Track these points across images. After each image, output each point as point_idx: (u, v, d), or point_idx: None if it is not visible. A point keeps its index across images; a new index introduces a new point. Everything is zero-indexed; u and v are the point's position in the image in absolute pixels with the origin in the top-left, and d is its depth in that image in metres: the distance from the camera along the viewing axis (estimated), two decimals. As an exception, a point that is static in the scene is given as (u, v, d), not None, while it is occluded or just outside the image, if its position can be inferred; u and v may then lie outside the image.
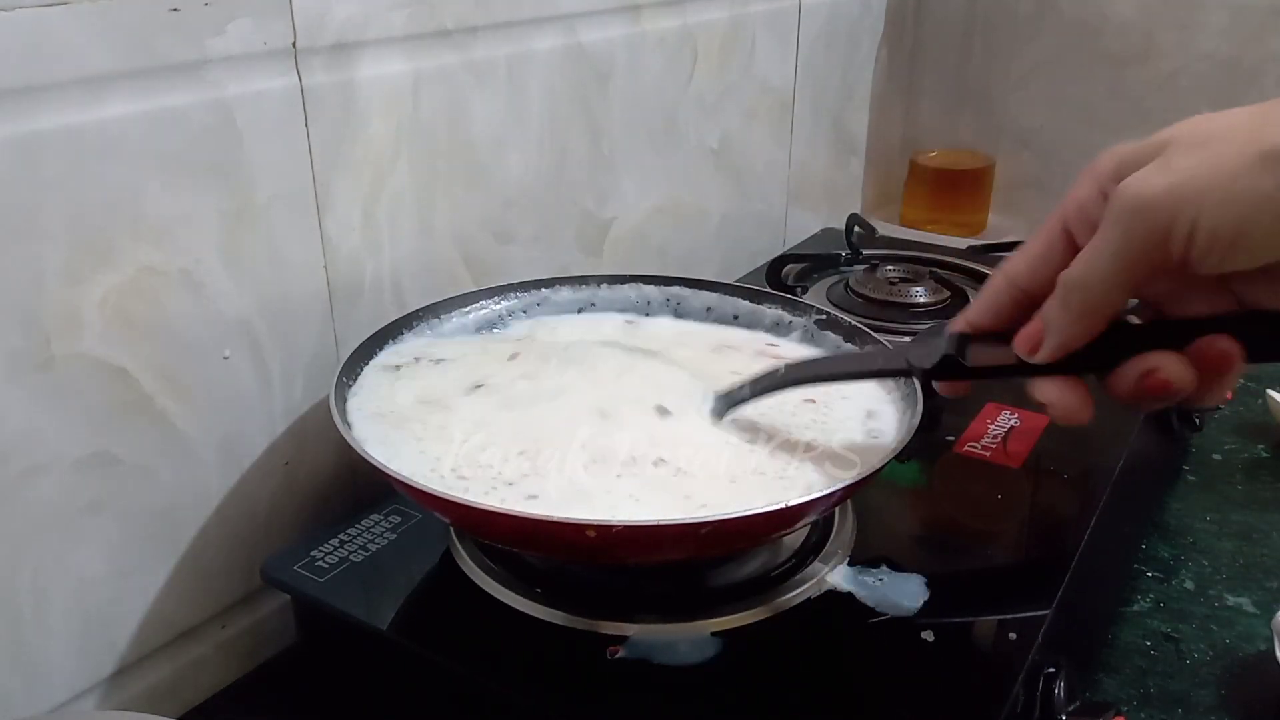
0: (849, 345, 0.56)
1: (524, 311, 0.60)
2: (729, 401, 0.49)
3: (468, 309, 0.58)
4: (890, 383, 0.52)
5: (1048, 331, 0.38)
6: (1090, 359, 0.38)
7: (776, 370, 0.49)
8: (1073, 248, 0.38)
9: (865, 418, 0.51)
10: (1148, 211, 0.34)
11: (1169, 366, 0.37)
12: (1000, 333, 0.40)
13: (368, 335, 0.53)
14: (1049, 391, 0.39)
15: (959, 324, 0.42)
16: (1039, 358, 0.38)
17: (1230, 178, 0.33)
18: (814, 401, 0.52)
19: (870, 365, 0.51)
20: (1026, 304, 0.40)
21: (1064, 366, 0.39)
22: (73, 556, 0.46)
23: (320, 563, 0.48)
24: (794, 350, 0.58)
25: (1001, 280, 0.41)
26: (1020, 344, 0.39)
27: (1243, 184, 0.32)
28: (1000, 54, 1.13)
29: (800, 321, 0.59)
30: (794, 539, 0.49)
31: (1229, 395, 0.82)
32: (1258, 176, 0.32)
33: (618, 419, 0.48)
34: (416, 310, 0.56)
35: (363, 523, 0.51)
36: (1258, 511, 0.70)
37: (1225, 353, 0.37)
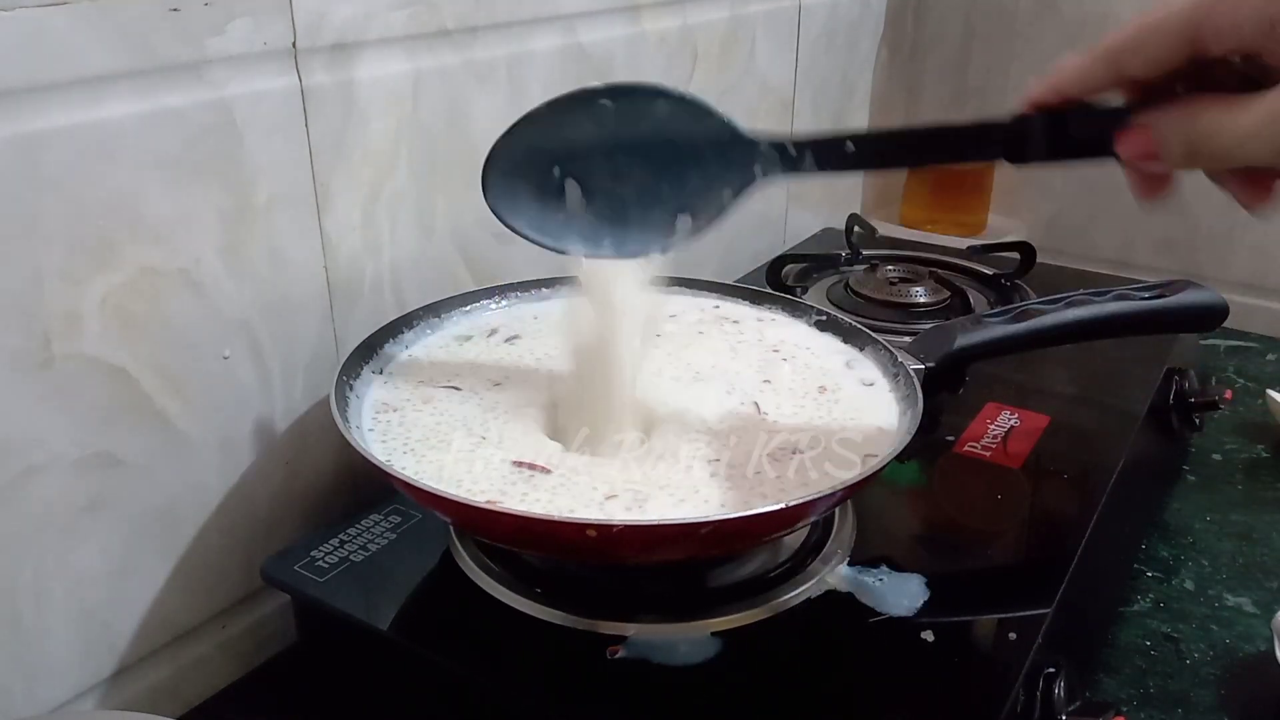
0: (849, 345, 0.56)
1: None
2: (783, 162, 0.42)
3: (468, 309, 0.58)
4: (891, 382, 0.52)
5: (1162, 155, 0.35)
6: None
7: (841, 142, 0.41)
8: (1198, 55, 0.34)
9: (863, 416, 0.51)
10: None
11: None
12: (1089, 107, 0.37)
13: (368, 335, 0.53)
14: (1138, 178, 0.37)
15: (1043, 89, 0.38)
16: (1155, 169, 0.36)
17: None
18: (824, 389, 0.52)
19: (954, 144, 0.42)
20: (1124, 88, 0.36)
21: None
22: (73, 556, 0.46)
23: (320, 562, 0.48)
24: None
25: (1100, 60, 0.36)
26: (1129, 150, 0.36)
27: None
28: (1000, 54, 1.13)
29: (800, 321, 0.59)
30: (794, 539, 0.49)
31: (1228, 395, 0.82)
32: None
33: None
34: (416, 310, 0.56)
35: (363, 522, 0.51)
36: (1257, 512, 0.70)
37: None
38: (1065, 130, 0.38)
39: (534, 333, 0.58)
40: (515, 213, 0.46)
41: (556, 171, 0.45)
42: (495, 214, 0.46)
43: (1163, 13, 0.35)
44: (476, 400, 0.51)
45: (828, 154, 0.42)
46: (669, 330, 0.58)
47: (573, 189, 0.45)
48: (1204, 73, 0.34)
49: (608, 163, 0.44)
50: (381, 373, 0.53)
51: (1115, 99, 0.37)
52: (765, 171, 0.42)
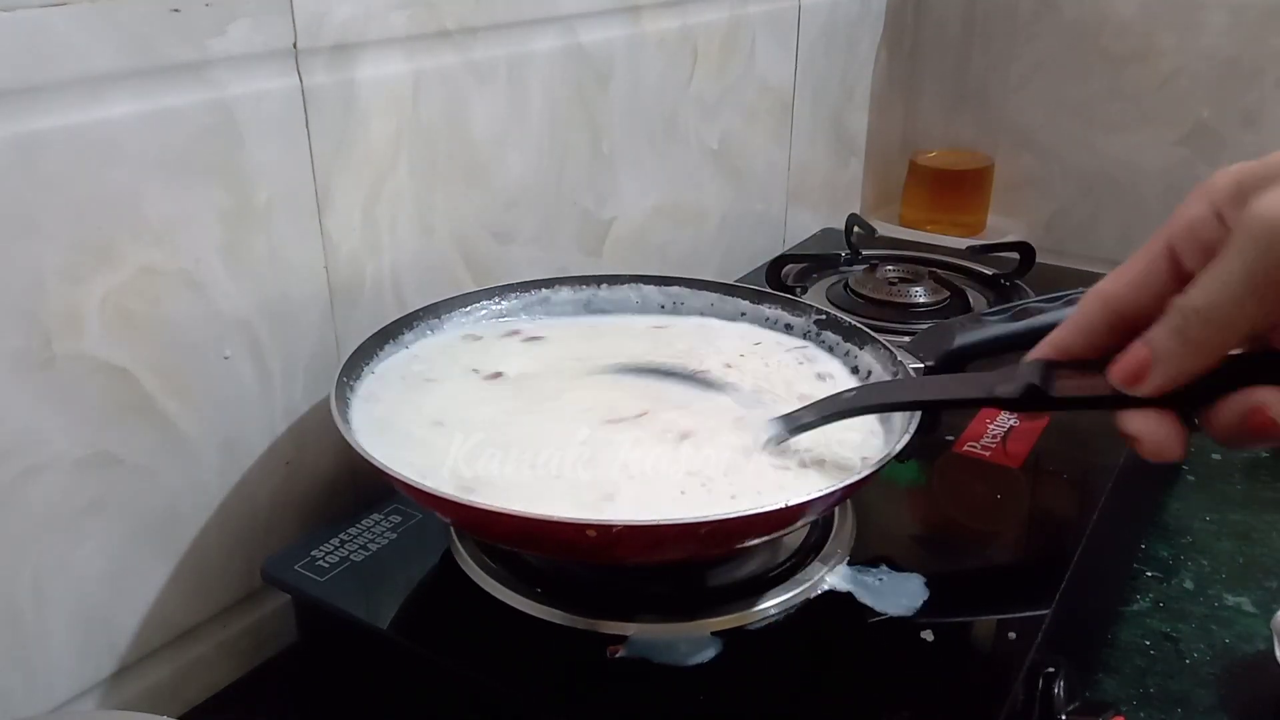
0: (849, 345, 0.56)
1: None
2: (790, 425, 0.47)
3: (468, 309, 0.58)
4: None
5: (1156, 362, 0.34)
6: (1189, 392, 0.34)
7: (843, 394, 0.47)
8: (1178, 271, 0.35)
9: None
10: None
11: (1276, 402, 0.33)
12: (1086, 361, 0.37)
13: (368, 335, 0.53)
14: (1140, 424, 0.35)
15: (1044, 349, 0.39)
16: (1144, 390, 0.35)
17: None
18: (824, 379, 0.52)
19: (948, 393, 0.46)
20: (1121, 329, 0.36)
21: (1162, 399, 0.35)
22: (73, 556, 0.46)
23: (321, 562, 0.48)
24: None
25: (1095, 302, 0.37)
26: (1120, 375, 0.35)
27: None
28: (1000, 54, 1.13)
29: (800, 322, 0.59)
30: (793, 539, 0.49)
31: None
32: None
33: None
34: (417, 310, 0.56)
35: (363, 522, 0.51)
36: (1257, 511, 0.70)
37: None
38: (1051, 376, 0.38)
39: (537, 331, 0.58)
40: None
41: None
42: None
43: (1143, 249, 0.36)
44: (477, 401, 0.51)
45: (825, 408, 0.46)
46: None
47: None
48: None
49: None
50: (381, 373, 0.53)
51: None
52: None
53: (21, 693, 0.46)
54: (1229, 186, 0.33)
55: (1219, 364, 0.33)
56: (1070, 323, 0.38)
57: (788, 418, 0.47)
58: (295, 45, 0.49)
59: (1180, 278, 0.34)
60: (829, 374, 0.55)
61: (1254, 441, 0.34)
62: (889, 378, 0.53)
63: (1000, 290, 0.82)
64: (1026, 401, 0.38)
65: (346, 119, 0.53)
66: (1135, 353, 0.35)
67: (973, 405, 0.46)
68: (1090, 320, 0.37)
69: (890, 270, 0.82)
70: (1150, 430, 0.35)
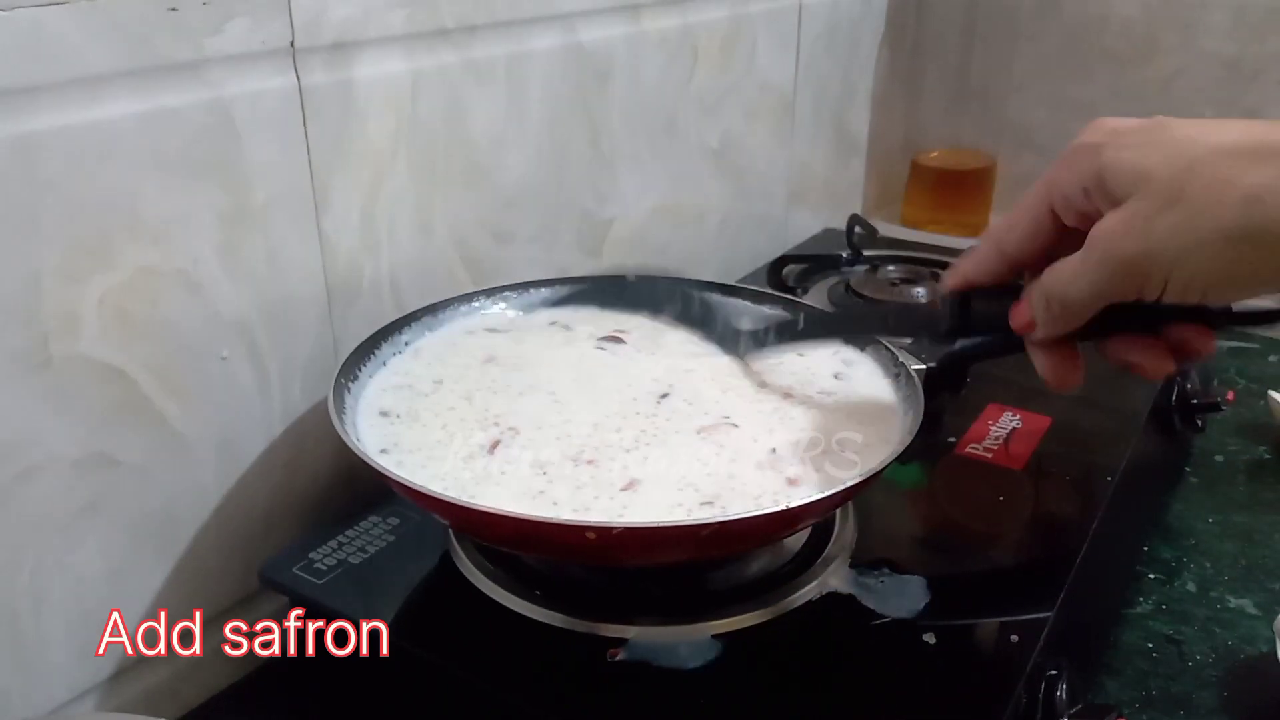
0: (849, 346, 0.56)
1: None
2: (755, 342, 0.54)
3: (467, 309, 0.58)
4: (892, 382, 0.52)
5: (1036, 322, 0.41)
6: (1078, 335, 0.42)
7: (795, 320, 0.55)
8: (1057, 225, 0.41)
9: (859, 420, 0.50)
10: (1124, 266, 0.37)
11: (1147, 362, 0.42)
12: (994, 289, 0.44)
13: (366, 336, 0.53)
14: (1040, 359, 0.43)
15: (955, 279, 0.45)
16: (1036, 339, 0.42)
17: (1205, 244, 0.35)
18: (839, 378, 0.54)
19: (887, 326, 0.54)
20: (1016, 269, 0.43)
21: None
22: (71, 557, 0.46)
23: (318, 564, 0.48)
24: None
25: (992, 247, 0.44)
26: (1015, 323, 0.43)
27: (1216, 250, 0.35)
28: (1002, 54, 1.13)
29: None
30: (795, 541, 0.49)
31: (1231, 396, 0.82)
32: (1233, 245, 0.35)
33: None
34: (415, 311, 0.56)
35: (361, 524, 0.51)
36: (1260, 513, 0.69)
37: (1197, 339, 0.41)
38: (969, 309, 0.45)
39: (529, 330, 0.57)
40: None
41: None
42: None
43: (1028, 195, 0.42)
44: (477, 401, 0.50)
45: (783, 334, 0.55)
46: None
47: None
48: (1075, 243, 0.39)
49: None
50: (380, 374, 0.52)
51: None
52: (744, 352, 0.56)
53: (19, 695, 0.46)
54: (1093, 172, 0.38)
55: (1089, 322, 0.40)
56: (974, 260, 0.45)
57: (751, 334, 0.55)
58: (293, 44, 0.49)
59: (1060, 230, 0.41)
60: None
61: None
62: (889, 382, 0.53)
63: (1002, 291, 0.82)
64: (956, 330, 0.46)
65: (345, 118, 0.52)
66: (1022, 310, 0.42)
67: (909, 334, 0.53)
68: (989, 262, 0.44)
69: (892, 271, 0.82)
70: (1049, 363, 0.43)
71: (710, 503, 0.43)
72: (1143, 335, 0.42)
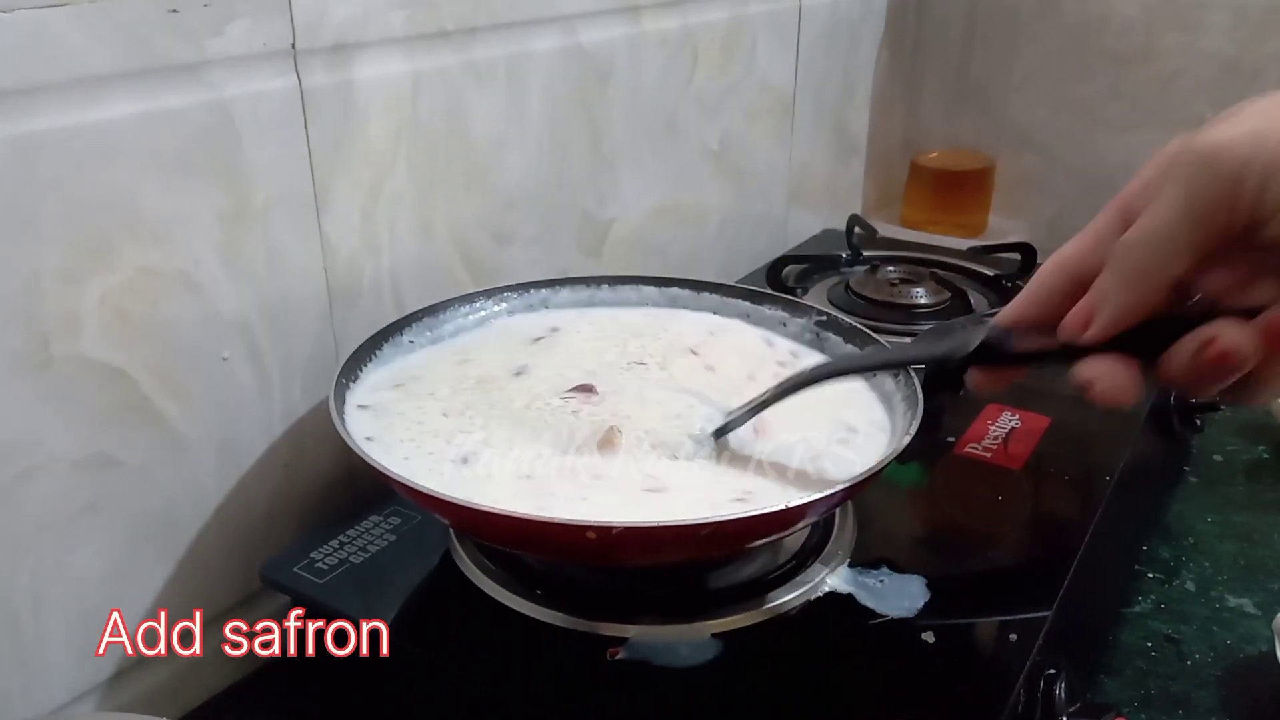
0: (849, 346, 0.56)
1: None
2: (725, 430, 0.48)
3: (467, 310, 0.58)
4: (892, 384, 0.52)
5: (1101, 304, 0.35)
6: (1141, 340, 0.35)
7: (797, 375, 0.47)
8: (1125, 228, 0.35)
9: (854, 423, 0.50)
10: (1219, 158, 0.31)
11: (1229, 333, 0.33)
12: (1045, 325, 0.38)
13: (366, 337, 0.53)
14: (1095, 369, 0.36)
15: (1004, 318, 0.40)
16: (1089, 335, 0.36)
17: None
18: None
19: (902, 356, 0.48)
20: (1076, 295, 0.37)
21: (1113, 346, 0.36)
22: (71, 558, 0.46)
23: (319, 564, 0.48)
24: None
25: (1051, 267, 0.38)
26: (1069, 323, 0.36)
27: None
28: (1001, 54, 1.13)
29: (800, 323, 0.59)
30: (794, 541, 0.49)
31: (1230, 396, 0.82)
32: None
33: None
34: (415, 312, 0.56)
35: (362, 524, 0.51)
36: (1259, 513, 0.70)
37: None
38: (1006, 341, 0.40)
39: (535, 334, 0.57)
40: None
41: None
42: None
43: (1100, 213, 0.37)
44: (477, 401, 0.51)
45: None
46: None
47: None
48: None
49: None
50: (380, 375, 0.52)
51: None
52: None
53: (20, 695, 0.46)
54: (1177, 146, 0.33)
55: (1163, 304, 0.34)
56: (1027, 291, 0.39)
57: (722, 427, 0.48)
58: (294, 45, 0.49)
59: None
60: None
61: (1211, 378, 0.34)
62: (889, 382, 0.52)
63: (1002, 291, 0.82)
64: (980, 357, 0.40)
65: (345, 119, 0.53)
66: (1081, 302, 0.36)
67: (931, 364, 0.45)
68: (1047, 286, 0.38)
69: (891, 271, 0.82)
70: (1102, 373, 0.36)
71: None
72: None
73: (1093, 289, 0.35)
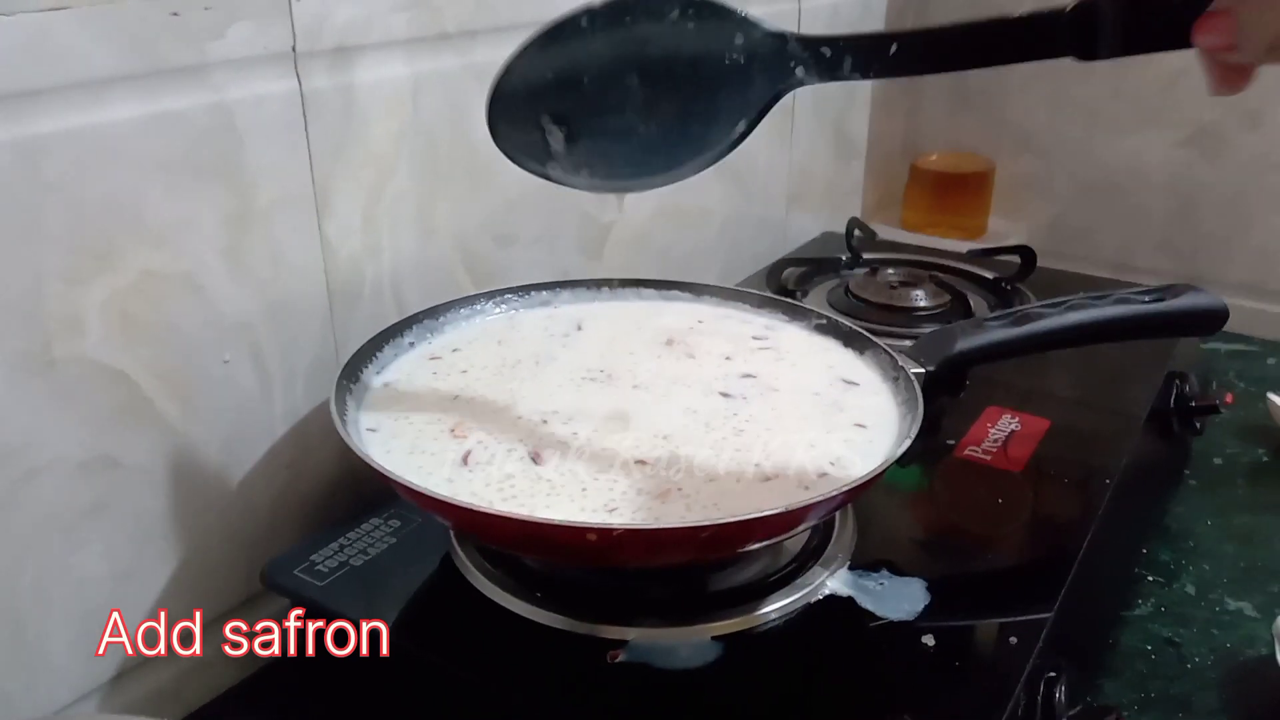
0: (849, 349, 0.56)
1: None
2: (819, 67, 0.40)
3: (468, 312, 0.58)
4: (891, 385, 0.52)
5: (1240, 42, 0.34)
6: None
7: (884, 42, 0.40)
8: None
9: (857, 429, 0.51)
10: None
11: None
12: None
13: (368, 338, 0.53)
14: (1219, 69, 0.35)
15: None
16: (1230, 59, 0.34)
17: None
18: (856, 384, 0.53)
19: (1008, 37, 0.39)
20: None
21: None
22: (74, 559, 0.46)
23: (320, 566, 0.48)
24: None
25: None
26: (1206, 38, 0.34)
27: None
28: (1001, 57, 1.13)
29: (800, 325, 0.59)
30: (794, 543, 0.49)
31: (1229, 398, 0.82)
32: None
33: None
34: (416, 313, 0.56)
35: (363, 526, 0.51)
36: (1259, 515, 0.70)
37: None
38: (1138, 17, 0.36)
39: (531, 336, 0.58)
40: (528, 154, 0.42)
41: (564, 104, 0.41)
42: (508, 156, 0.42)
43: None
44: (476, 402, 0.51)
45: (868, 58, 0.40)
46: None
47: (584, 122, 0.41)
48: None
49: (623, 85, 0.40)
50: (381, 376, 0.53)
51: None
52: (805, 75, 0.41)
53: (23, 696, 0.46)
54: None
55: None
56: None
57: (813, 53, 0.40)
58: (295, 48, 0.49)
59: None
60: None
61: None
62: (888, 385, 0.53)
63: (1001, 294, 0.82)
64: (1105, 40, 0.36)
65: (347, 122, 0.53)
66: (1222, 24, 0.34)
67: (1041, 53, 0.39)
68: None
69: (891, 274, 0.82)
70: (1220, 74, 0.35)
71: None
72: None
73: (1237, 18, 0.34)
